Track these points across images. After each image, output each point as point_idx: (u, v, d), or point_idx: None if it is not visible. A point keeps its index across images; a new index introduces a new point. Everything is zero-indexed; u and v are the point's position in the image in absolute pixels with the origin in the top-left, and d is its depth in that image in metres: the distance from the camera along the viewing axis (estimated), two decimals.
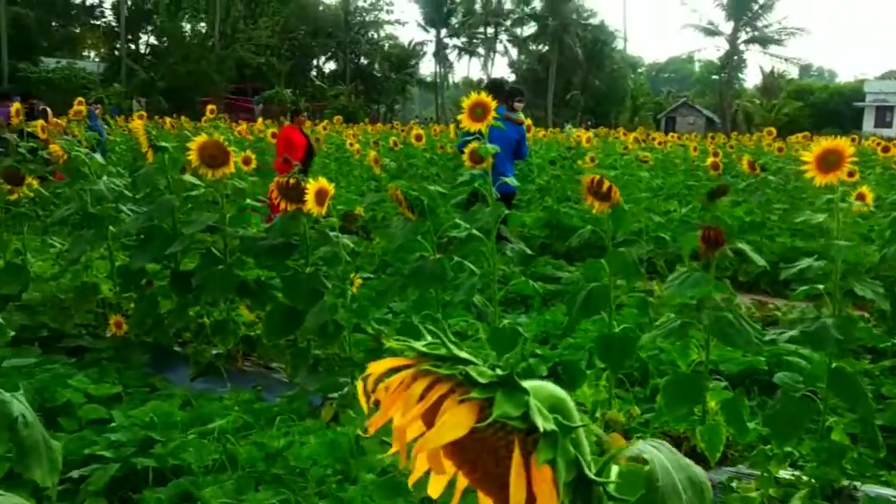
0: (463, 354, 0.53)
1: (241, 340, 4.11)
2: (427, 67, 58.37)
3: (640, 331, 3.10)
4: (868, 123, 47.25)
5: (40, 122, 5.68)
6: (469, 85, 62.09)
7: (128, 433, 2.77)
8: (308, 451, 2.60)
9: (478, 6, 55.93)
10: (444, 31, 56.04)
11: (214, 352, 4.08)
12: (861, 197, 3.11)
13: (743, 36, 50.80)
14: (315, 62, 55.26)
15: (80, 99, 9.80)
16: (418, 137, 10.05)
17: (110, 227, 4.35)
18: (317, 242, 3.92)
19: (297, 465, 2.55)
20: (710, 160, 7.84)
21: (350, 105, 44.68)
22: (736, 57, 51.94)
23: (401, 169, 10.70)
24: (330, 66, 56.38)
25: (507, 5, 56.27)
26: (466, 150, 5.14)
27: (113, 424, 2.95)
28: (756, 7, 49.78)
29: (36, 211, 4.67)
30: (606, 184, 2.95)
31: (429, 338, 0.57)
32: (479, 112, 3.21)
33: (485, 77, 59.36)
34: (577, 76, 52.26)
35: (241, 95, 40.42)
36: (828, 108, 49.95)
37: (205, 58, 40.59)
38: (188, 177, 4.27)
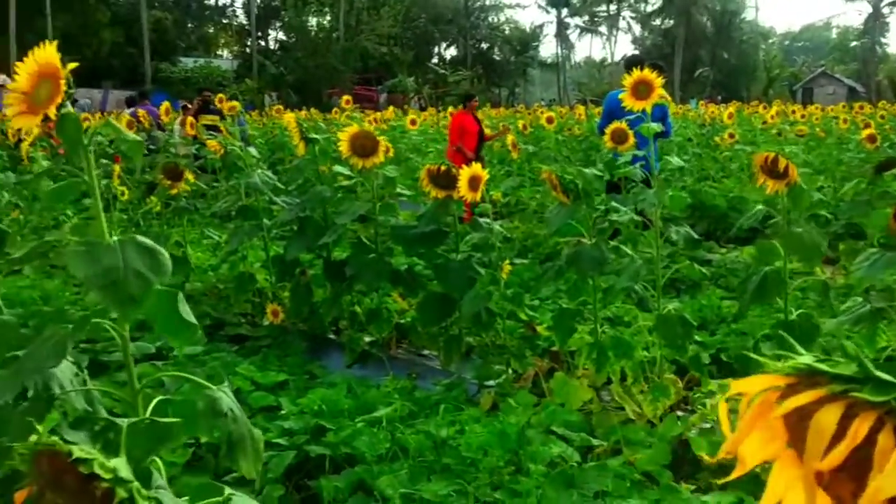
0: (883, 375, 0.44)
1: (393, 328, 4.14)
2: (547, 49, 57.73)
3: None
4: None
5: (200, 117, 5.90)
6: (592, 65, 60.98)
7: (299, 421, 2.83)
8: (478, 441, 2.57)
9: None
10: (564, 12, 55.18)
11: (368, 339, 4.13)
12: None
13: None
14: (436, 49, 55.67)
15: (220, 96, 10.21)
16: (549, 120, 9.90)
17: (264, 219, 4.49)
18: (468, 229, 3.90)
19: (468, 455, 2.52)
20: (864, 132, 7.30)
21: (472, 90, 44.69)
22: (879, 20, 48.63)
23: (530, 153, 10.58)
24: (451, 53, 56.71)
25: None
26: (608, 131, 4.97)
27: (282, 412, 3.01)
28: None
29: (194, 204, 4.86)
30: (783, 161, 2.76)
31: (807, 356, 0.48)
32: (642, 90, 3.08)
33: (608, 56, 58.13)
34: (705, 50, 50.32)
35: (365, 85, 41.21)
36: None
37: (330, 50, 41.59)
38: (338, 167, 4.33)
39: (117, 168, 5.44)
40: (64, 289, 5.01)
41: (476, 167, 3.53)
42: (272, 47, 48.77)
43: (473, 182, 3.51)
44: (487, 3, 54.27)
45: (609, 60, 57.93)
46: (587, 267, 3.28)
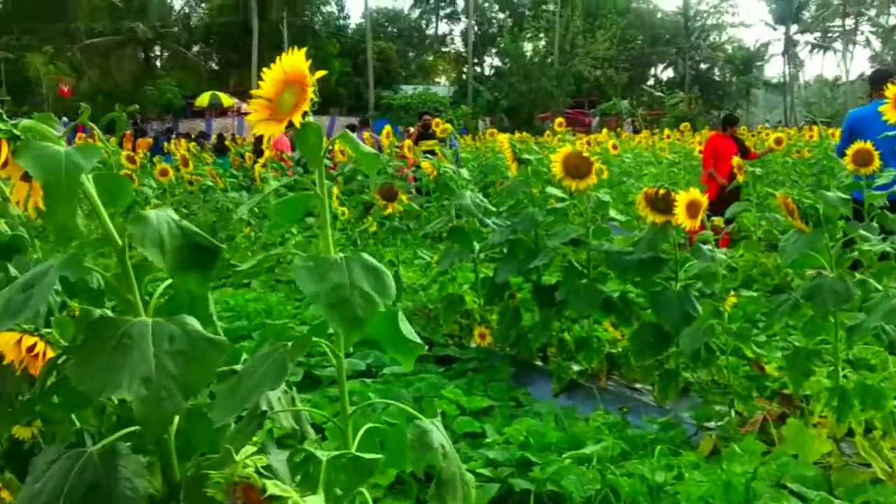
0: None
1: (604, 358, 3.93)
2: (772, 69, 54.56)
3: None
4: None
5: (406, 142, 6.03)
6: (823, 84, 56.88)
7: (504, 451, 2.71)
8: (699, 491, 2.32)
9: None
10: (793, 28, 51.91)
11: (576, 368, 3.95)
12: None
13: None
14: (652, 71, 54.40)
15: (437, 120, 10.48)
16: (778, 142, 9.23)
17: (475, 241, 4.46)
18: (687, 256, 3.64)
19: None
20: None
21: (689, 112, 43.15)
22: None
23: (756, 176, 9.89)
24: (667, 74, 55.20)
25: None
26: (849, 152, 4.50)
27: (487, 440, 2.91)
28: None
29: (408, 224, 4.93)
30: None
31: None
32: None
33: (842, 74, 53.95)
34: None
35: (578, 109, 41.02)
36: None
37: (544, 75, 41.83)
38: (551, 189, 4.21)
39: (336, 189, 5.68)
40: (286, 302, 5.27)
41: (695, 192, 3.27)
42: (487, 73, 49.93)
43: (692, 208, 3.26)
44: (709, 22, 52.29)
45: (843, 79, 53.71)
46: (829, 302, 2.91)
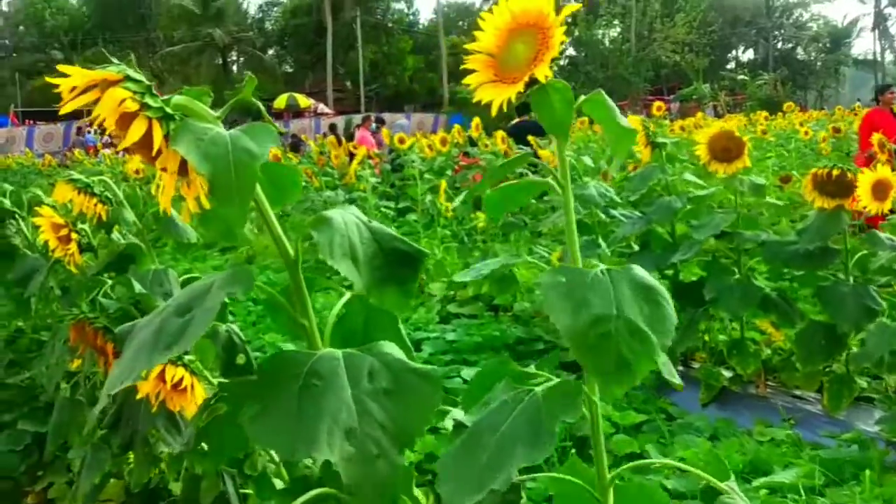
0: None
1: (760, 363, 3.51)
2: (861, 45, 52.12)
3: None
4: None
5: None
6: None
7: (683, 480, 2.34)
8: None
9: None
10: (885, 2, 49.46)
11: (728, 374, 3.54)
12: None
13: None
14: (733, 53, 52.64)
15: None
16: None
17: (599, 235, 4.09)
18: (858, 247, 3.19)
19: None
20: None
21: (775, 95, 41.55)
22: None
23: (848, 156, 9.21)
24: (748, 56, 53.31)
25: None
26: None
27: (653, 463, 2.54)
28: None
29: (523, 219, 4.58)
30: None
31: None
32: None
33: None
34: None
35: (657, 95, 39.93)
36: None
37: (621, 62, 40.88)
38: (688, 175, 3.81)
39: (444, 183, 5.37)
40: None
41: (884, 170, 2.83)
42: (563, 63, 49.14)
43: (880, 189, 2.82)
44: (791, 0, 50.31)
45: None
46: None
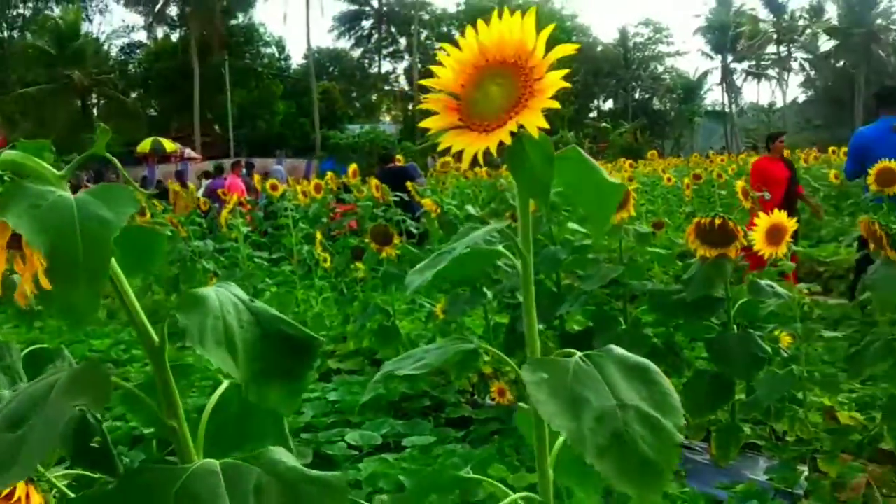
0: None
1: None
2: (712, 96, 55.74)
3: None
4: None
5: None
6: (759, 110, 58.31)
7: None
8: None
9: (766, 26, 52.41)
10: (730, 57, 53.20)
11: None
12: None
13: None
14: (595, 103, 55.01)
15: (399, 157, 9.99)
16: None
17: (485, 286, 3.98)
18: (741, 294, 3.21)
19: None
20: None
21: (634, 142, 43.62)
22: None
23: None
24: (609, 105, 55.83)
25: (801, 21, 52.19)
26: (872, 172, 4.22)
27: None
28: None
29: (404, 270, 4.42)
30: None
31: None
32: None
33: (777, 100, 55.41)
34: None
35: None
36: None
37: None
38: (572, 224, 3.77)
39: (319, 234, 5.15)
40: None
41: (779, 215, 2.87)
42: None
43: (775, 233, 2.85)
44: (647, 53, 53.20)
45: (779, 104, 55.20)
46: None
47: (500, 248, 0.90)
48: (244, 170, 14.26)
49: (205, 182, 14.66)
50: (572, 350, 0.82)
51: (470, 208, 4.14)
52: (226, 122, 40.21)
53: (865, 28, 46.00)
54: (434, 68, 0.82)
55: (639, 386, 0.78)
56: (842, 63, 49.39)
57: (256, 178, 10.49)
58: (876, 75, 45.23)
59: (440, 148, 0.81)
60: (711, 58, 53.59)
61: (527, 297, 0.91)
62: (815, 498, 2.67)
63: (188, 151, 34.04)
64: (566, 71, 0.77)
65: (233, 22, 44.01)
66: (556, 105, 0.76)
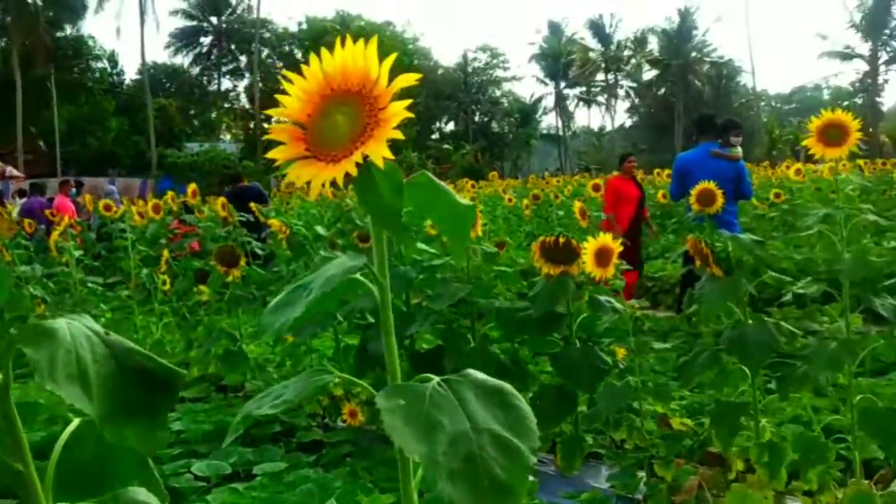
0: None
1: None
2: (547, 120, 58.11)
3: None
4: None
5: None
6: (590, 134, 61.44)
7: None
8: None
9: (595, 55, 55.44)
10: (563, 84, 55.79)
11: None
12: None
13: (883, 56, 47.91)
14: (437, 125, 56.01)
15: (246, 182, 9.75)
16: (595, 188, 9.51)
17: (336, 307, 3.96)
18: (584, 310, 3.37)
19: None
20: None
21: (475, 164, 44.75)
22: (872, 79, 48.91)
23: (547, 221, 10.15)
24: (451, 128, 57.00)
25: (626, 52, 55.57)
26: (694, 192, 4.54)
27: None
28: (894, 23, 46.98)
29: (252, 292, 4.32)
30: None
31: None
32: (834, 135, 2.55)
33: (606, 124, 58.62)
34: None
35: None
36: None
37: None
38: (421, 245, 3.83)
39: (166, 253, 4.95)
40: None
41: (605, 238, 3.02)
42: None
43: (602, 255, 3.00)
44: (485, 78, 54.82)
45: (609, 128, 58.42)
46: (755, 352, 2.73)
47: (358, 276, 0.91)
48: (73, 189, 13.45)
49: (20, 201, 13.71)
50: (430, 375, 0.84)
51: (319, 229, 4.11)
52: (52, 138, 37.78)
53: (682, 60, 49.61)
54: (279, 97, 0.81)
55: (495, 409, 0.80)
56: (663, 91, 52.90)
57: (87, 197, 9.93)
58: (693, 102, 48.83)
59: (287, 180, 0.81)
60: (546, 84, 56.05)
61: (385, 322, 0.92)
62: (653, 501, 2.83)
63: (10, 170, 31.68)
64: (409, 101, 0.78)
65: (59, 34, 41.48)
66: (399, 135, 0.77)
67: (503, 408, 0.80)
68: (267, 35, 49.46)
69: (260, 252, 5.63)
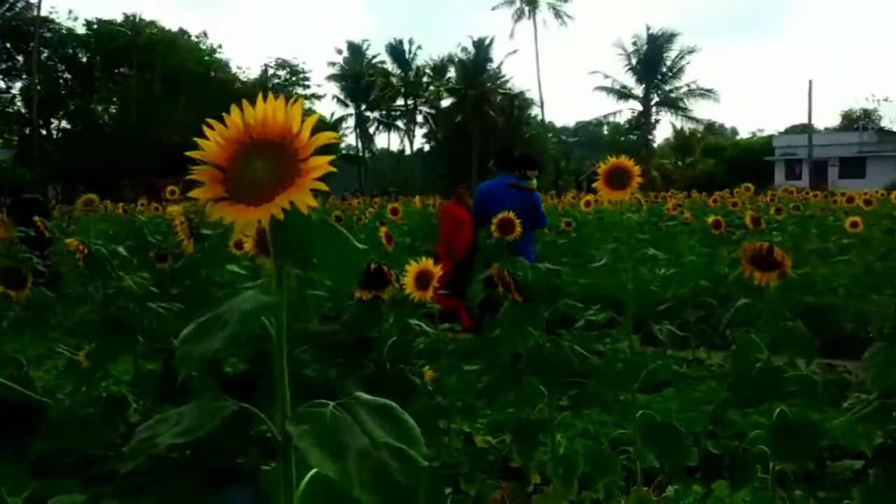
0: None
1: None
2: (347, 141, 58.30)
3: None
4: (779, 177, 49.40)
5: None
6: (390, 156, 62.44)
7: None
8: None
9: (396, 80, 56.55)
10: (363, 105, 56.33)
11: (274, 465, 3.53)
12: None
13: (655, 98, 52.70)
14: None
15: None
16: (394, 211, 9.72)
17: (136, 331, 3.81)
18: (393, 332, 3.49)
19: None
20: (710, 219, 7.72)
21: None
22: (646, 119, 53.64)
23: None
24: None
25: (425, 79, 57.14)
26: (495, 221, 4.83)
27: None
28: (664, 69, 51.84)
29: (40, 316, 4.05)
30: (778, 252, 2.63)
31: None
32: (620, 178, 2.84)
33: (406, 148, 59.88)
34: (497, 143, 52.96)
35: (165, 177, 39.31)
36: (740, 163, 51.98)
37: (122, 141, 39.47)
38: (232, 267, 3.79)
39: None
40: None
41: (426, 262, 3.17)
42: (55, 136, 45.48)
43: (422, 279, 3.14)
44: (285, 94, 53.97)
45: (408, 151, 59.71)
46: (551, 371, 2.97)
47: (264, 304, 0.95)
48: None
49: None
50: (325, 401, 0.91)
51: (121, 249, 3.94)
52: None
53: (478, 90, 51.79)
54: (199, 141, 0.85)
55: (386, 424, 0.89)
56: (459, 119, 54.83)
57: None
58: (487, 131, 51.06)
59: (212, 219, 0.85)
60: (347, 104, 56.31)
61: (279, 356, 0.97)
62: None
63: None
64: (333, 157, 0.86)
65: None
66: (323, 187, 0.85)
67: (392, 422, 0.89)
68: (48, 35, 45.93)
69: (42, 269, 5.26)
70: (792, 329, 2.67)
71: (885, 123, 55.92)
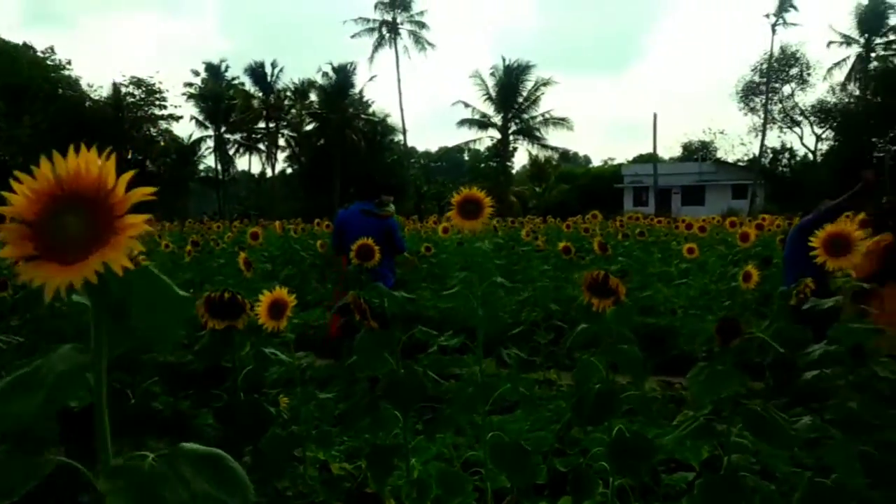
0: None
1: None
2: (205, 162, 56.59)
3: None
4: (627, 203, 52.11)
5: None
6: (250, 179, 61.16)
7: None
8: None
9: (257, 102, 55.56)
10: (223, 127, 54.98)
11: None
12: None
13: (512, 127, 54.29)
14: None
15: None
16: (254, 236, 9.56)
17: None
18: (248, 361, 3.45)
19: None
20: (561, 245, 8.06)
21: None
22: (504, 146, 55.13)
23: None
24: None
25: (287, 102, 56.44)
26: (354, 247, 4.89)
27: None
28: (521, 100, 53.55)
29: None
30: (613, 280, 2.82)
31: None
32: (472, 208, 2.96)
33: (268, 171, 58.83)
34: (359, 167, 52.98)
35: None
36: (592, 190, 54.42)
37: None
38: (77, 297, 3.64)
39: None
40: None
41: (280, 292, 3.17)
42: None
43: (276, 308, 3.14)
44: (140, 114, 51.95)
45: (270, 174, 58.68)
46: (406, 397, 3.04)
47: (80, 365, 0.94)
48: None
49: None
50: (147, 453, 0.91)
51: None
52: None
53: (340, 114, 51.73)
54: (6, 195, 0.81)
55: (210, 474, 0.90)
56: (322, 142, 54.47)
57: None
58: (350, 155, 51.00)
59: (20, 280, 0.80)
60: (206, 126, 54.76)
61: (99, 408, 0.95)
62: None
63: None
64: (148, 216, 0.82)
65: None
66: (139, 246, 0.81)
67: (217, 471, 0.90)
68: None
69: None
70: (626, 352, 2.86)
71: (720, 154, 60.02)
